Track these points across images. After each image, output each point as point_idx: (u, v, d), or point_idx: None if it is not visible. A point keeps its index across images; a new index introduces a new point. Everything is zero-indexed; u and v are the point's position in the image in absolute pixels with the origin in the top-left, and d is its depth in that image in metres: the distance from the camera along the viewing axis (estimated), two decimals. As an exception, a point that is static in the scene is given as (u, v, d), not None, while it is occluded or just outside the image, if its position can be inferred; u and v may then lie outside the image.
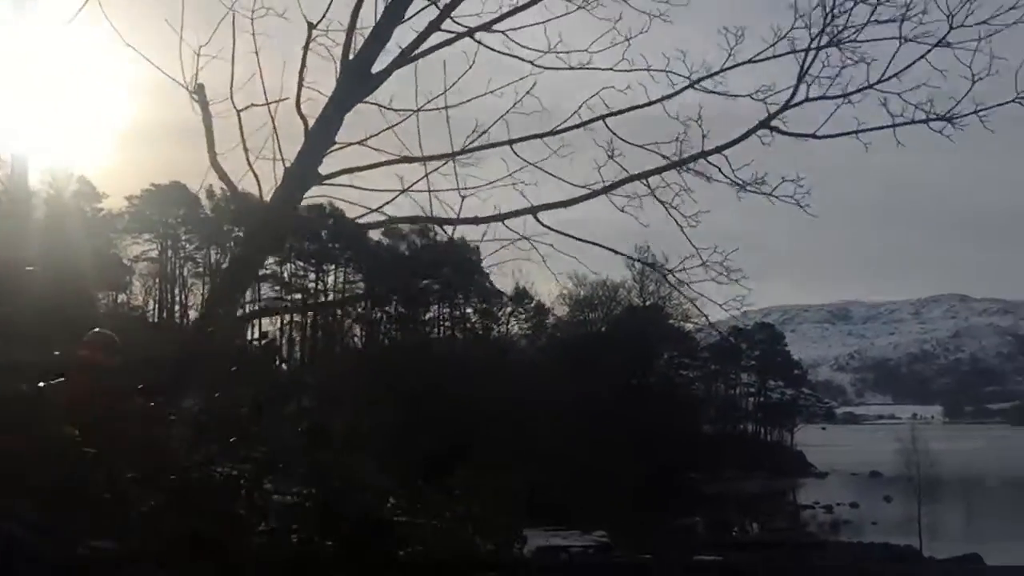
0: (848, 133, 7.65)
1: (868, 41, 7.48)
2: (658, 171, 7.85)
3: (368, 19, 7.62)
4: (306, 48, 7.65)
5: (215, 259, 78.02)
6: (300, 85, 7.60)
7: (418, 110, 7.85)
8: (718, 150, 7.69)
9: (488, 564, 6.14)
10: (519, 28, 7.81)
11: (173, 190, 68.40)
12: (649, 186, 7.88)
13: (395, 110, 7.86)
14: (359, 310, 77.54)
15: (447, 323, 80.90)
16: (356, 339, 77.26)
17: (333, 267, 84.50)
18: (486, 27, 7.76)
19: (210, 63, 7.60)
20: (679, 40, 7.96)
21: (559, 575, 13.19)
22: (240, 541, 5.42)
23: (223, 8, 7.62)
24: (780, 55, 7.62)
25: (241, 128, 7.62)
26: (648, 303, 74.31)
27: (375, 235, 71.02)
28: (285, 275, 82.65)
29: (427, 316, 79.05)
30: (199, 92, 7.71)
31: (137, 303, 67.56)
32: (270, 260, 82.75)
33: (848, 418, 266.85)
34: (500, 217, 7.84)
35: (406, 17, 7.71)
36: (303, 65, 7.63)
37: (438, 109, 7.87)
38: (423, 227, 72.57)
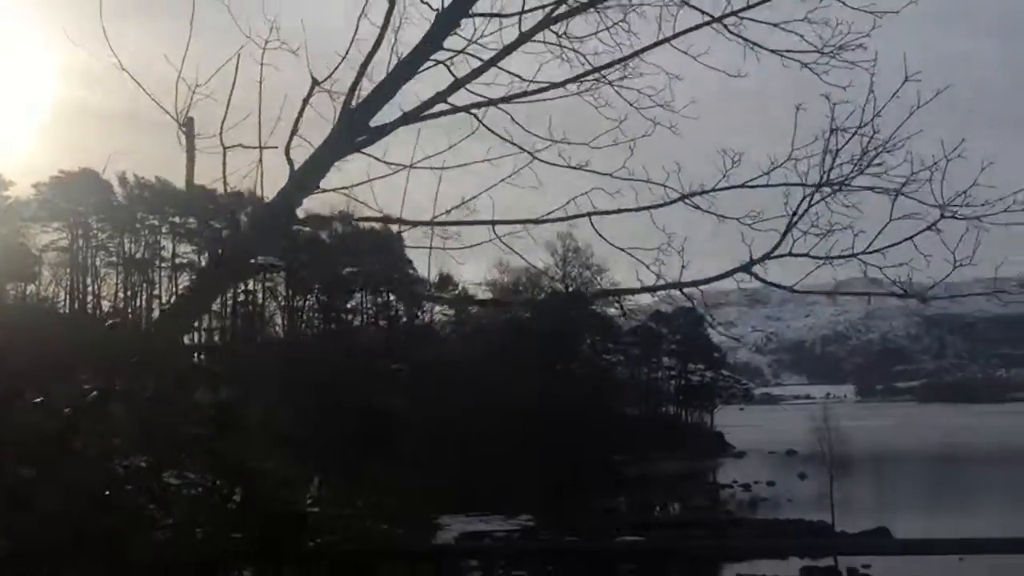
0: (824, 292, 7.82)
1: (861, 189, 7.64)
2: (632, 291, 7.94)
3: (378, 65, 7.55)
4: (306, 100, 7.54)
5: (129, 248, 75.94)
6: (293, 133, 7.48)
7: (410, 166, 7.74)
8: (695, 283, 7.76)
9: (401, 552, 6.12)
10: (524, 101, 7.80)
11: (84, 177, 66.13)
12: (620, 303, 8.09)
13: (387, 163, 7.76)
14: (280, 299, 76.41)
15: (370, 311, 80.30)
16: (278, 328, 76.16)
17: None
18: (492, 103, 7.70)
19: (196, 62, 7.41)
20: (676, 152, 8.04)
21: (479, 560, 13.23)
22: (142, 536, 5.29)
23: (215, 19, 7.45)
24: (774, 185, 7.71)
25: (224, 163, 7.44)
26: (571, 289, 74.94)
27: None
28: (202, 263, 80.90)
29: (350, 304, 78.31)
30: (188, 125, 7.55)
31: (47, 294, 65.19)
32: (187, 249, 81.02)
33: (766, 399, 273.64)
34: (470, 301, 7.91)
35: (423, 66, 7.67)
36: (300, 115, 7.52)
37: (431, 168, 7.79)
38: (347, 214, 71.66)
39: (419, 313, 79.38)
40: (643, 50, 7.64)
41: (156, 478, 5.58)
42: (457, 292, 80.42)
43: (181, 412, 5.87)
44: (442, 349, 68.00)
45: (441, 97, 7.60)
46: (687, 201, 7.77)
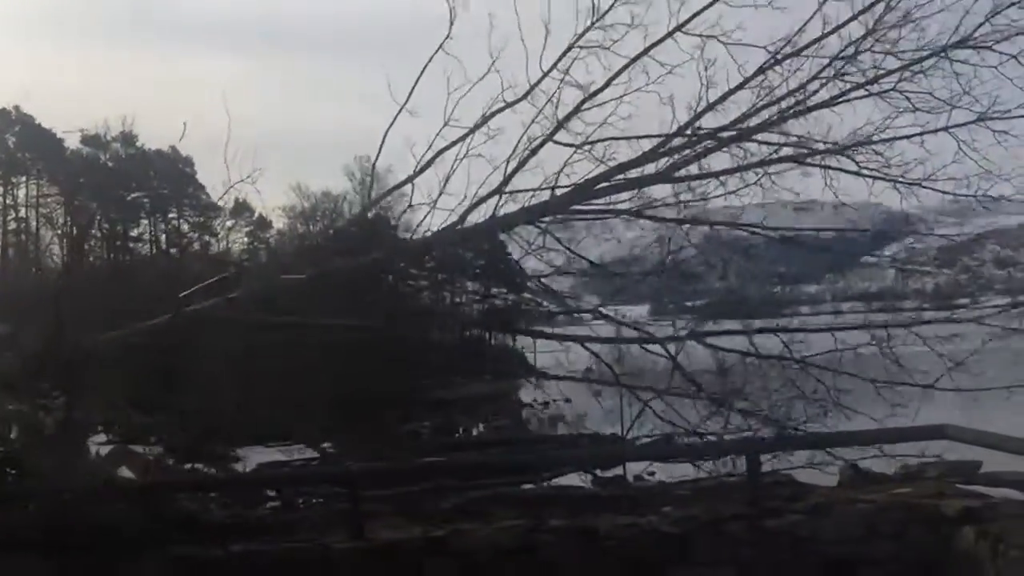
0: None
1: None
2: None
3: None
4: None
5: None
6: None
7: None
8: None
9: (191, 485, 5.67)
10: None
11: None
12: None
13: None
14: (57, 228, 70.88)
15: (160, 239, 76.02)
16: (55, 259, 70.62)
17: (24, 179, 76.43)
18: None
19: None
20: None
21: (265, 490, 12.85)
22: None
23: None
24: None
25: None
26: (372, 214, 73.93)
27: (72, 144, 64.91)
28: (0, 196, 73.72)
29: (136, 232, 73.82)
30: None
31: None
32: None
33: (567, 320, 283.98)
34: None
35: None
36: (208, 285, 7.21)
37: None
38: (129, 136, 67.08)
39: (214, 239, 75.94)
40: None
41: None
42: (254, 218, 77.45)
43: None
44: (239, 278, 65.52)
45: None
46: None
